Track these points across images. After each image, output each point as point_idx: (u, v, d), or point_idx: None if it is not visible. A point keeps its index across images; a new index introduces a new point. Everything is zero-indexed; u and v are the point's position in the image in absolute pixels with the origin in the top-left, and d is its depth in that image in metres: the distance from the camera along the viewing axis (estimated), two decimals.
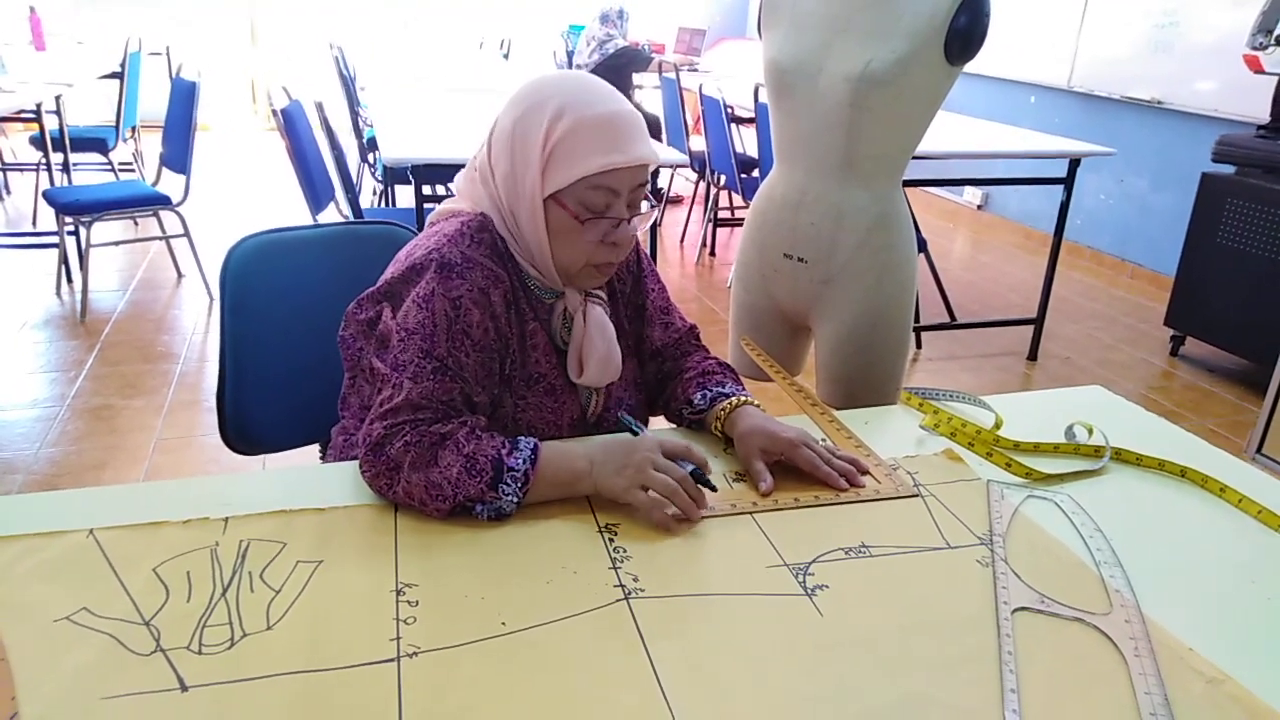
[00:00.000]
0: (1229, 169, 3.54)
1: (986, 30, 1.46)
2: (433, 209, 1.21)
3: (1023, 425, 1.25)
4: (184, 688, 0.73)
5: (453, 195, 1.19)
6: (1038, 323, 3.67)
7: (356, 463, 1.10)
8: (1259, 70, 3.49)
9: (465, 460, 0.97)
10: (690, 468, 1.01)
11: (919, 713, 0.75)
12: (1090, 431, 1.24)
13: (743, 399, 1.18)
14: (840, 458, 1.11)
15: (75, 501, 0.98)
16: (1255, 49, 3.39)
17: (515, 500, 0.97)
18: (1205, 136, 4.06)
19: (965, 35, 1.44)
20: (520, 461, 0.98)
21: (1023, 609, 0.88)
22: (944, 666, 0.80)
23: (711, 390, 1.20)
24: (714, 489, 1.03)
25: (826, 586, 0.90)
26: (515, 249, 1.12)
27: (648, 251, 3.12)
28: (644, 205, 1.11)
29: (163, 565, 0.88)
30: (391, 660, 0.77)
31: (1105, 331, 4.06)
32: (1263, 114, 3.55)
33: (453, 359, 1.03)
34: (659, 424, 1.28)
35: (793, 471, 1.09)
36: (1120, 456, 1.19)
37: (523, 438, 1.01)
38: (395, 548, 0.92)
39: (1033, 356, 3.68)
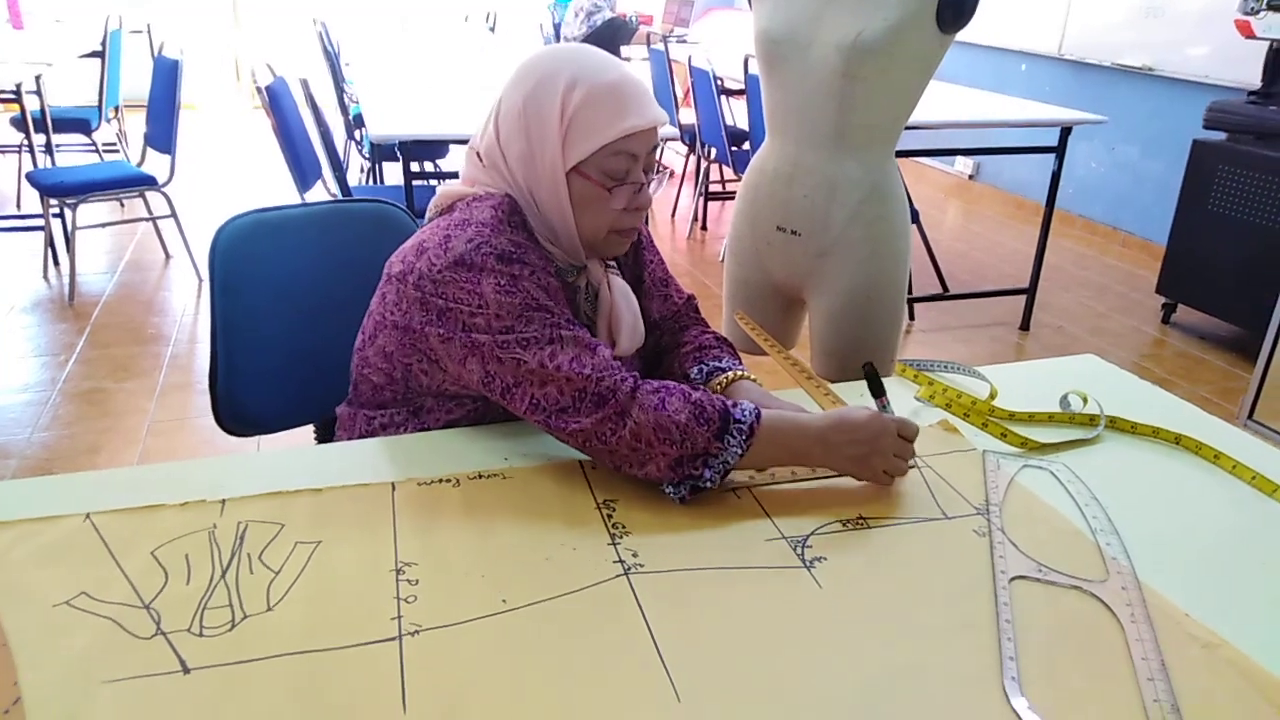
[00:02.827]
0: (1220, 136, 3.54)
1: None
2: (421, 186, 1.20)
3: (1017, 395, 1.25)
4: (186, 670, 0.73)
5: (440, 173, 1.18)
6: (1030, 292, 3.68)
7: (353, 442, 1.10)
8: (1250, 35, 3.47)
9: (694, 407, 0.96)
10: None
11: (919, 682, 0.75)
12: (1085, 400, 1.24)
13: (739, 373, 1.18)
14: None
15: (70, 486, 0.97)
16: (1247, 14, 3.37)
17: (739, 452, 0.96)
18: (1196, 103, 4.05)
19: (957, 3, 1.43)
20: (746, 414, 0.97)
21: (1020, 578, 0.89)
22: (943, 636, 0.81)
23: (708, 364, 1.21)
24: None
25: (825, 559, 0.90)
26: (539, 228, 1.11)
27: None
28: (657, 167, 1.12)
29: (161, 548, 0.87)
30: (393, 639, 0.77)
31: (1097, 300, 4.07)
32: (1254, 80, 3.54)
33: (569, 314, 1.04)
34: None
35: None
36: (1114, 425, 1.20)
37: (743, 401, 1.01)
38: (394, 527, 0.92)
39: (1025, 326, 3.69)
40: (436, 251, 1.03)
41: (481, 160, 1.12)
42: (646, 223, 1.24)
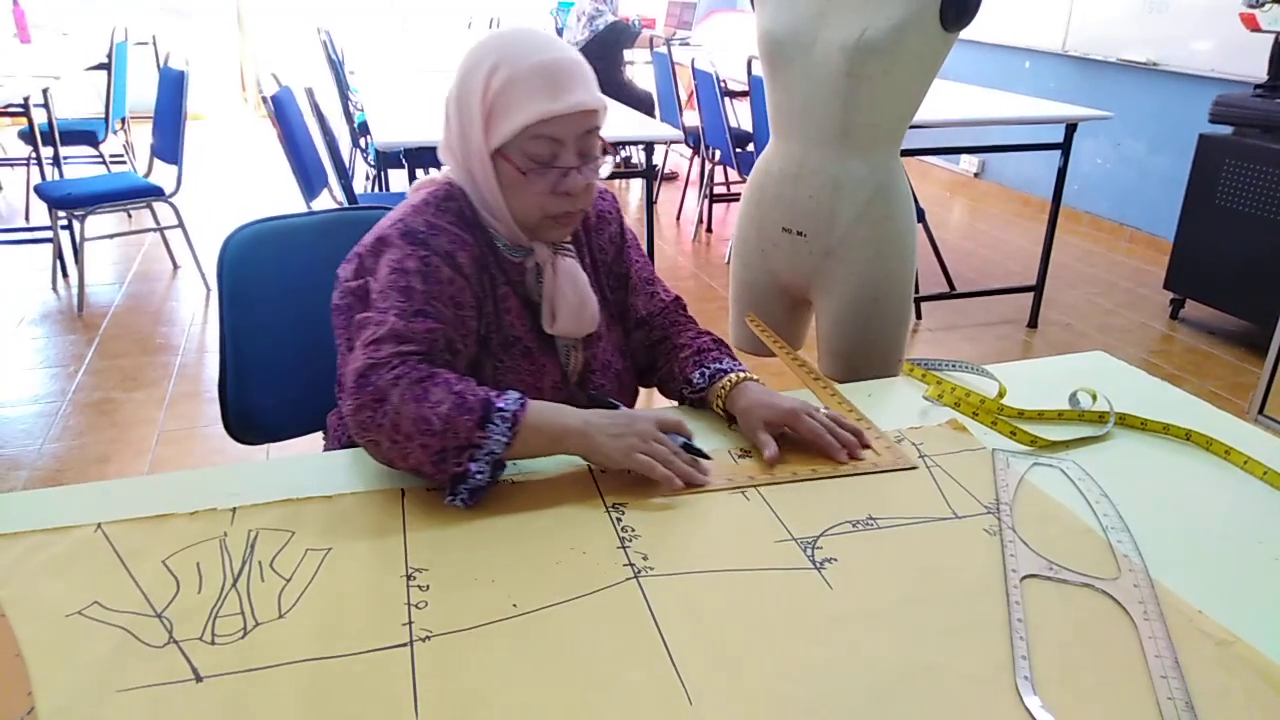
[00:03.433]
0: (1226, 130, 3.52)
1: None
2: None
3: (1026, 393, 1.25)
4: (198, 678, 0.73)
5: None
6: (1037, 290, 3.67)
7: (361, 449, 1.10)
8: (1256, 28, 3.46)
9: (455, 397, 0.95)
10: (682, 441, 1.05)
11: (930, 682, 0.75)
12: (1094, 397, 1.24)
13: (742, 375, 1.18)
14: (843, 427, 1.11)
15: (81, 496, 0.98)
16: (1252, 7, 3.36)
17: (504, 441, 0.95)
18: (1202, 97, 4.03)
19: (960, 1, 1.43)
20: (510, 404, 0.97)
21: (1031, 576, 0.88)
22: (954, 635, 0.80)
23: (709, 368, 1.20)
24: (707, 458, 1.06)
25: (835, 560, 0.90)
26: (482, 210, 1.13)
27: (645, 228, 3.09)
28: (600, 153, 1.11)
29: (172, 557, 0.88)
30: (404, 645, 0.77)
31: (1105, 296, 4.06)
32: (1260, 73, 3.53)
33: (432, 306, 1.04)
34: (658, 401, 1.28)
35: (793, 446, 1.09)
36: (1124, 421, 1.19)
37: (511, 391, 1.00)
38: (404, 532, 0.93)
39: (1033, 324, 3.68)
40: (372, 233, 1.11)
41: (444, 144, 1.15)
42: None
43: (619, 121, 3.30)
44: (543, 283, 1.16)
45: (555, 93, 1.04)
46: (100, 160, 4.86)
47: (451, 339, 1.05)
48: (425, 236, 1.07)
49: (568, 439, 1.00)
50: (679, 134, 3.23)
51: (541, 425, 0.98)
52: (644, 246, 3.16)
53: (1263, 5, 3.31)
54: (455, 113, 1.10)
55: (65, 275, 3.81)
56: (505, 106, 1.04)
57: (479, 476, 0.95)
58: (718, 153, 4.58)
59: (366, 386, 0.96)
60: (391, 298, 1.03)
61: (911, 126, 1.62)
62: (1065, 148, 3.44)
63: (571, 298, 1.15)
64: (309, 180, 3.02)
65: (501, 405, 0.96)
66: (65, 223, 3.71)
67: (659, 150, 5.68)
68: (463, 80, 1.08)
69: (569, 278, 1.15)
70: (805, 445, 1.09)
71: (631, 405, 1.27)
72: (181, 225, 3.78)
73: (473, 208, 1.13)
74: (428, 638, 0.78)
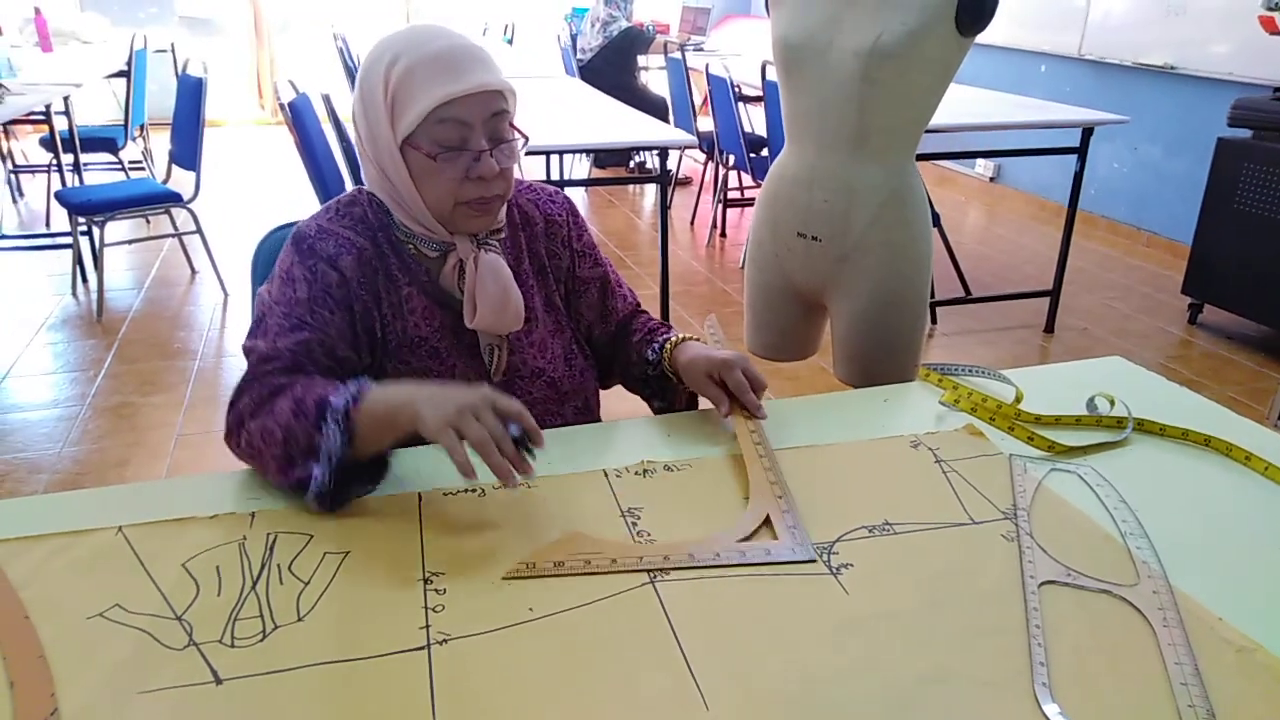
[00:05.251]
0: (1245, 133, 3.49)
1: (997, 0, 1.45)
2: None
3: (1043, 398, 1.24)
4: (218, 680, 0.74)
5: None
6: (1054, 294, 3.64)
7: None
8: (1274, 31, 3.44)
9: (295, 404, 0.96)
10: (517, 432, 0.94)
11: (947, 688, 0.75)
12: (1112, 403, 1.23)
13: (683, 336, 1.23)
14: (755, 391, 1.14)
15: (102, 499, 0.99)
16: (1270, 9, 3.34)
17: (339, 436, 0.93)
18: (1220, 101, 4.00)
19: (976, 6, 1.43)
20: (342, 401, 0.94)
21: (1049, 582, 0.88)
22: (971, 641, 0.80)
23: (658, 341, 1.25)
24: (534, 456, 0.95)
25: (851, 565, 0.90)
26: (398, 212, 1.14)
27: (659, 233, 3.08)
28: (512, 136, 1.11)
29: (192, 560, 0.88)
30: (422, 648, 0.78)
31: (1122, 301, 4.03)
32: (1279, 76, 3.50)
33: (314, 315, 1.07)
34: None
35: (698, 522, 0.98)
36: (1143, 427, 1.19)
37: (359, 380, 0.98)
38: (421, 536, 0.93)
39: (1050, 329, 3.66)
40: None
41: (359, 151, 1.16)
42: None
43: (634, 126, 3.30)
44: (462, 278, 1.15)
45: (455, 75, 1.05)
46: (119, 167, 4.92)
47: (331, 344, 1.07)
48: (312, 241, 1.10)
49: (400, 415, 0.94)
50: (693, 139, 3.23)
51: (375, 411, 0.94)
52: (659, 251, 3.17)
53: None
54: (362, 112, 1.11)
55: (85, 281, 3.85)
56: (407, 94, 1.05)
57: (321, 480, 0.93)
58: (732, 158, 4.58)
59: (232, 412, 1.02)
60: (275, 312, 1.07)
61: (927, 131, 1.62)
62: (1082, 152, 3.42)
63: (493, 290, 1.13)
64: (326, 186, 3.03)
65: (335, 403, 0.94)
66: (85, 229, 3.75)
67: (673, 155, 5.69)
68: (364, 78, 1.09)
69: (491, 271, 1.13)
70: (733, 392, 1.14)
71: (563, 414, 1.24)
72: (199, 231, 3.81)
73: (377, 211, 1.15)
74: (445, 641, 0.79)
